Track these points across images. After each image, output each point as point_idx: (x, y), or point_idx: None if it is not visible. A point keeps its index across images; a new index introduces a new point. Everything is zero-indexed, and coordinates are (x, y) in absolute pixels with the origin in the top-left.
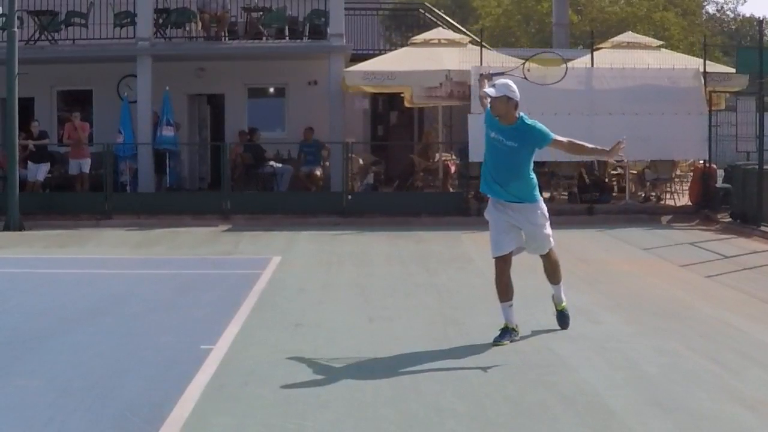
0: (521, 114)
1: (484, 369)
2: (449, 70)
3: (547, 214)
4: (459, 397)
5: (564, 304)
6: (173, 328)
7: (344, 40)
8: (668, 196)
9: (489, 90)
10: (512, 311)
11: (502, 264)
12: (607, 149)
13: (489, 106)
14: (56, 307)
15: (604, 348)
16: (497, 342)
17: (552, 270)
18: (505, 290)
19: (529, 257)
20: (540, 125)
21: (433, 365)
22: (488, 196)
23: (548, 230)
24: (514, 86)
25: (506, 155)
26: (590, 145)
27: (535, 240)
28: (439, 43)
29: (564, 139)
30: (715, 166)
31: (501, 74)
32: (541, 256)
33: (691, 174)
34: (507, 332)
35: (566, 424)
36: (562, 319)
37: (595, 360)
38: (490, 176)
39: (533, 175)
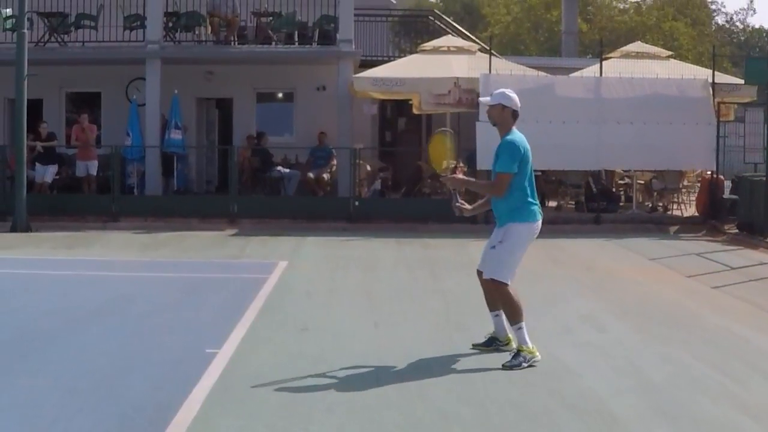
0: (514, 129)
1: (490, 374)
2: (458, 78)
3: (514, 241)
4: (464, 402)
5: (515, 344)
6: (179, 330)
7: (353, 46)
8: (675, 206)
9: (484, 99)
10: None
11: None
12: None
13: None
14: (63, 307)
15: (610, 355)
16: (474, 344)
17: (501, 305)
18: (489, 301)
19: (536, 264)
20: (509, 147)
21: (438, 370)
22: None
23: (502, 256)
24: (512, 94)
25: (494, 170)
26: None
27: (490, 258)
28: (448, 50)
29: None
30: (722, 177)
31: None
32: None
33: (699, 184)
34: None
35: (570, 431)
36: (512, 359)
37: (601, 367)
38: None
39: (517, 197)
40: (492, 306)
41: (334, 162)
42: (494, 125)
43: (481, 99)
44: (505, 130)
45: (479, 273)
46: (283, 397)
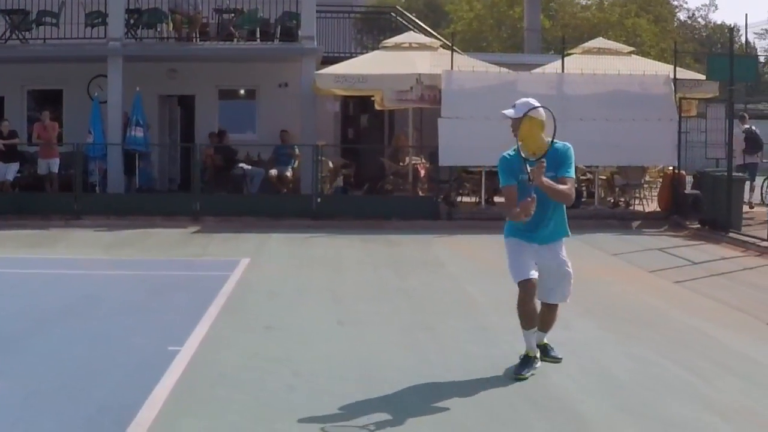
0: (551, 140)
1: (454, 373)
2: (420, 74)
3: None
4: (429, 401)
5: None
6: (143, 329)
7: (316, 43)
8: (637, 201)
9: (508, 111)
10: (534, 338)
11: (528, 288)
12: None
13: (512, 131)
14: (27, 307)
15: (575, 353)
16: (518, 375)
17: (553, 320)
18: (531, 318)
19: (500, 261)
20: (572, 155)
21: (403, 370)
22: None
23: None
24: (537, 103)
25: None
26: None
27: (561, 280)
28: (411, 47)
29: (562, 189)
30: (684, 172)
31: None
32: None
33: (661, 180)
34: (529, 361)
35: (536, 430)
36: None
37: (566, 365)
38: (525, 225)
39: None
40: (535, 324)
41: (297, 152)
42: (520, 141)
43: (504, 111)
44: (537, 145)
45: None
46: (246, 395)
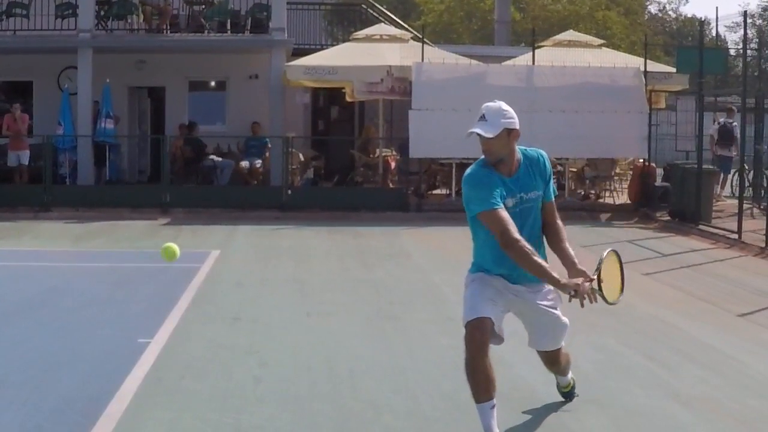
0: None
1: (421, 365)
2: (390, 66)
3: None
4: (395, 392)
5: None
6: (111, 321)
7: (286, 35)
8: (607, 194)
9: (478, 129)
10: (494, 416)
11: (478, 334)
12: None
13: (483, 153)
14: None
15: None
16: None
17: (565, 361)
18: (484, 383)
19: (467, 254)
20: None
21: (369, 361)
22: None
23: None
24: (510, 109)
25: (533, 212)
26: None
27: (554, 327)
28: (381, 39)
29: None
30: (654, 164)
31: None
32: (548, 352)
33: (631, 172)
34: None
35: (502, 421)
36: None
37: (531, 356)
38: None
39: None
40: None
41: (267, 144)
42: (497, 162)
43: (475, 130)
44: (512, 164)
45: (489, 324)
46: (214, 387)
